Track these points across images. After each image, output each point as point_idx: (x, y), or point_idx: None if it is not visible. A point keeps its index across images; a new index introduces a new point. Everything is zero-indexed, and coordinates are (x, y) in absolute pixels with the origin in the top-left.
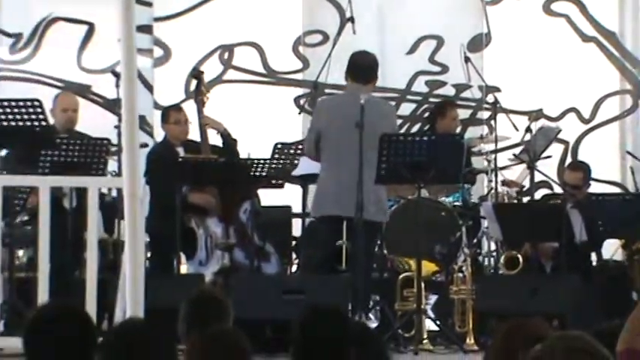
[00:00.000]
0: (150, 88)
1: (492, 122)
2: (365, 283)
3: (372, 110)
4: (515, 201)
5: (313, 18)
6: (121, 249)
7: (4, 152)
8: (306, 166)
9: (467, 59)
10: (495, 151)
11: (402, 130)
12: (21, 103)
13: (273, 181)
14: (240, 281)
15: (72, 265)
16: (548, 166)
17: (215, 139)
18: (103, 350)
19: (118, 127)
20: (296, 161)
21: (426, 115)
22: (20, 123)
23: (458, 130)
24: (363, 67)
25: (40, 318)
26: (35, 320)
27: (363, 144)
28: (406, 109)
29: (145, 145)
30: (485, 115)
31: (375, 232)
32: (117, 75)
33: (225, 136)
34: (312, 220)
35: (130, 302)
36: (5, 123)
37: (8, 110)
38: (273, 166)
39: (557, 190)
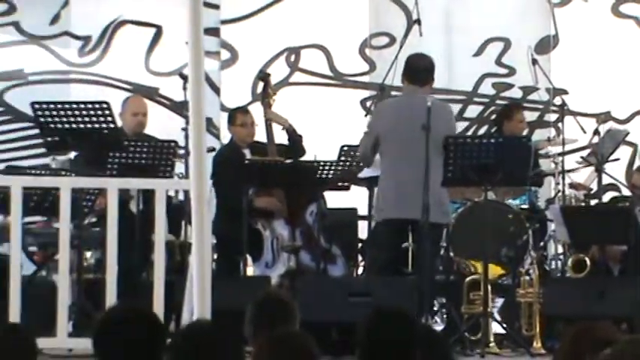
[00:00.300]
0: (217, 90)
1: (560, 125)
2: (430, 285)
3: (435, 112)
4: (583, 204)
5: (380, 20)
6: (188, 251)
7: (73, 154)
8: (371, 168)
9: (534, 61)
10: (563, 154)
11: (469, 133)
12: (90, 106)
13: (340, 184)
14: (307, 284)
15: (139, 267)
16: (615, 169)
17: (280, 136)
18: (171, 352)
19: (185, 129)
20: (362, 163)
21: (493, 117)
22: (89, 125)
23: (525, 132)
24: (419, 69)
25: (109, 320)
26: (105, 322)
27: (433, 146)
28: (473, 111)
29: (212, 150)
30: (552, 117)
31: (439, 234)
32: (184, 77)
33: (291, 132)
34: (377, 223)
35: (198, 304)
36: (75, 125)
37: (77, 113)
38: (340, 168)
39: (625, 192)
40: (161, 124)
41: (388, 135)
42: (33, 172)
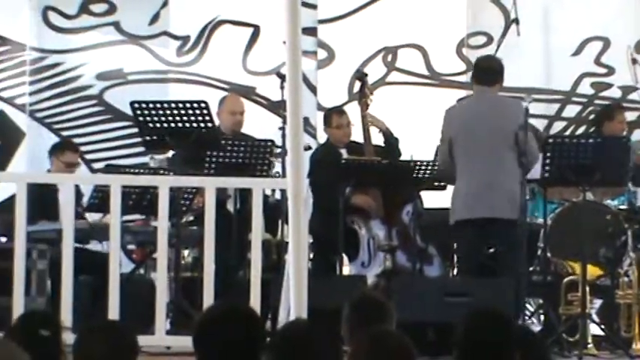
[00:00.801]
0: (314, 89)
1: None
2: (521, 285)
3: (501, 109)
4: None
5: (477, 19)
6: (285, 250)
7: (171, 153)
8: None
9: (634, 61)
10: None
11: (567, 133)
12: (188, 105)
13: (436, 183)
14: (403, 284)
15: (236, 266)
16: None
17: (377, 138)
18: (269, 351)
19: (282, 128)
20: (444, 171)
21: (592, 117)
22: (187, 124)
23: (624, 133)
24: (485, 69)
25: (208, 319)
26: (204, 321)
27: (504, 143)
28: (571, 111)
29: (308, 148)
30: None
31: (512, 229)
32: (282, 77)
33: (388, 135)
34: (452, 226)
35: (294, 303)
36: (173, 124)
37: (176, 112)
38: (436, 167)
39: None
40: (258, 124)
41: (459, 137)
42: (132, 170)
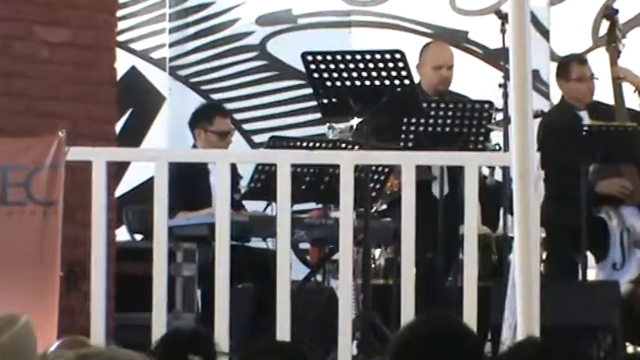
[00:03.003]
0: (545, 33)
1: None
2: None
3: None
4: None
5: None
6: (509, 248)
7: (356, 121)
8: None
9: None
10: None
11: None
12: (378, 57)
13: None
14: None
15: (444, 269)
16: None
17: (631, 99)
18: None
19: (503, 86)
20: None
21: None
22: (377, 83)
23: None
24: None
25: (409, 339)
26: (403, 342)
27: None
28: None
29: (539, 114)
30: None
31: None
32: (502, 17)
33: None
34: None
35: (522, 317)
36: (358, 83)
37: (362, 66)
38: None
39: None
40: (471, 80)
41: None
42: (305, 145)
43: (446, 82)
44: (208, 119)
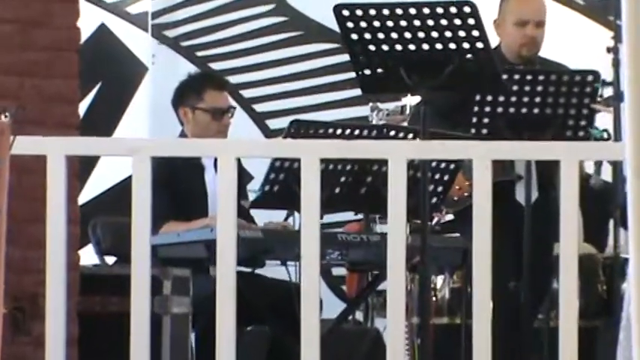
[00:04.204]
0: None
1: None
2: None
3: None
4: None
5: None
6: (621, 274)
7: (409, 100)
8: None
9: None
10: None
11: None
12: (439, 10)
13: None
14: None
15: (532, 299)
16: None
17: None
18: None
19: (613, 50)
20: None
21: None
22: (437, 45)
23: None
24: None
25: None
26: None
27: None
28: None
29: None
30: None
31: None
32: None
33: None
34: None
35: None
36: (412, 46)
37: (417, 23)
38: None
39: None
40: (570, 42)
41: None
42: (338, 132)
43: (534, 45)
44: (197, 93)
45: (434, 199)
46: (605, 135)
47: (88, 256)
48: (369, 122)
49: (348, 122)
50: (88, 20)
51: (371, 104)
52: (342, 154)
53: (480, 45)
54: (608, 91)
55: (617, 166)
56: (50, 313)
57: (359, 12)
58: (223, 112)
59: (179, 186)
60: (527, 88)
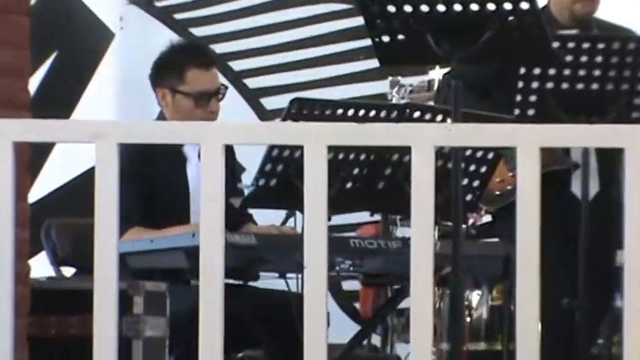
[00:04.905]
0: None
1: None
2: None
3: None
4: None
5: None
6: None
7: (437, 73)
8: None
9: None
10: None
11: None
12: None
13: None
14: None
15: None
16: None
17: None
18: None
19: None
20: None
21: None
22: (473, 7)
23: None
24: None
25: None
26: None
27: None
28: None
29: None
30: None
31: None
32: None
33: None
34: None
35: None
36: (442, 7)
37: None
38: None
39: None
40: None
41: None
42: (349, 113)
43: (591, 5)
44: (176, 71)
45: (468, 196)
46: None
47: (41, 266)
48: (388, 101)
49: (361, 101)
50: None
51: (390, 79)
52: (354, 140)
53: (524, 5)
54: None
55: None
56: None
57: None
58: (211, 95)
59: (153, 181)
60: (583, 59)
